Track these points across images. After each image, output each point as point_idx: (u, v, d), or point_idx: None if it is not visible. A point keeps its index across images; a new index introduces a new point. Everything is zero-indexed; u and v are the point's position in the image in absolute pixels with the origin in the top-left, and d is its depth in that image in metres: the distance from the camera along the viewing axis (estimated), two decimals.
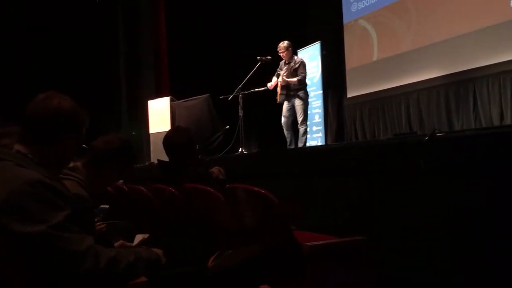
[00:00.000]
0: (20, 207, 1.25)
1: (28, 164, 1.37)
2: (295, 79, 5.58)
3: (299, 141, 5.79)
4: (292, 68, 5.62)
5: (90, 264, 1.29)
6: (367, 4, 7.57)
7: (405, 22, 6.84)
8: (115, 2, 9.26)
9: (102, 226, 2.37)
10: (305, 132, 5.78)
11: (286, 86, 5.68)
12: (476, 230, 2.12)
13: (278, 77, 5.83)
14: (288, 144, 5.89)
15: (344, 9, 8.01)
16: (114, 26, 9.26)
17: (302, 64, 5.67)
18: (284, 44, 5.71)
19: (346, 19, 8.00)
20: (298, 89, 5.69)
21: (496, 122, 5.45)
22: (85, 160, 1.98)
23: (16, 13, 8.00)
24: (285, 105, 5.81)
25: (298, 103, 5.70)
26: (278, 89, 5.79)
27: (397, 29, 6.99)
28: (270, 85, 5.78)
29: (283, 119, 5.87)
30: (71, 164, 1.91)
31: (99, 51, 8.84)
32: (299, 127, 5.79)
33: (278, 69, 5.91)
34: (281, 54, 5.75)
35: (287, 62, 5.74)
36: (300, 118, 5.72)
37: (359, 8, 7.75)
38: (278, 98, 5.80)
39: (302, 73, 5.63)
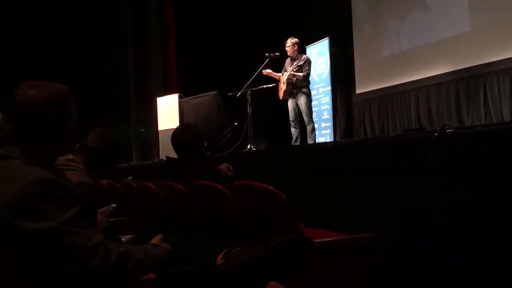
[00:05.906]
0: (30, 205, 1.25)
1: (37, 163, 1.38)
2: (300, 74, 5.63)
3: (309, 138, 5.81)
4: (297, 65, 5.65)
5: (99, 260, 1.28)
6: None
7: (414, 17, 6.79)
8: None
9: (105, 220, 2.36)
10: (313, 129, 5.84)
11: (290, 84, 5.68)
12: (486, 228, 2.10)
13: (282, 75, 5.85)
14: (293, 141, 5.90)
15: (352, 4, 7.97)
16: (122, 23, 9.30)
17: (307, 61, 5.71)
18: (292, 40, 5.77)
19: (355, 15, 7.95)
20: (302, 87, 5.73)
21: (507, 118, 5.38)
22: (84, 158, 2.04)
23: (26, 10, 8.06)
24: (290, 103, 5.83)
25: (302, 101, 5.73)
26: (281, 85, 5.79)
27: (406, 24, 6.94)
28: (267, 71, 5.71)
29: (291, 117, 5.89)
30: (71, 156, 1.94)
31: (107, 48, 8.89)
32: (306, 125, 5.80)
33: (284, 68, 5.91)
34: (286, 49, 5.77)
35: (292, 58, 5.79)
36: (305, 117, 5.76)
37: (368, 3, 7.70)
38: (281, 95, 5.81)
39: (306, 69, 5.66)
